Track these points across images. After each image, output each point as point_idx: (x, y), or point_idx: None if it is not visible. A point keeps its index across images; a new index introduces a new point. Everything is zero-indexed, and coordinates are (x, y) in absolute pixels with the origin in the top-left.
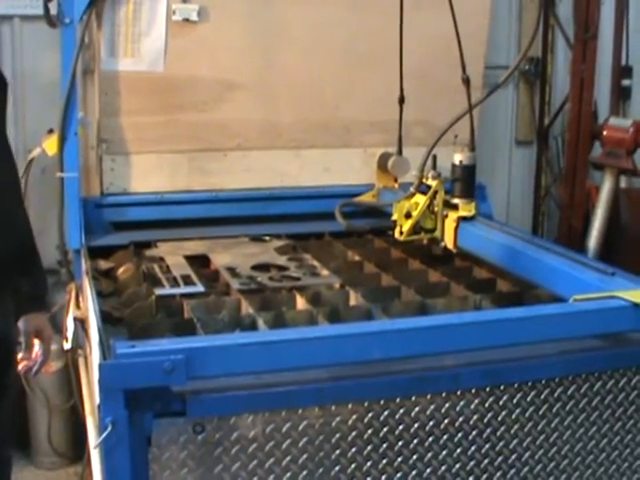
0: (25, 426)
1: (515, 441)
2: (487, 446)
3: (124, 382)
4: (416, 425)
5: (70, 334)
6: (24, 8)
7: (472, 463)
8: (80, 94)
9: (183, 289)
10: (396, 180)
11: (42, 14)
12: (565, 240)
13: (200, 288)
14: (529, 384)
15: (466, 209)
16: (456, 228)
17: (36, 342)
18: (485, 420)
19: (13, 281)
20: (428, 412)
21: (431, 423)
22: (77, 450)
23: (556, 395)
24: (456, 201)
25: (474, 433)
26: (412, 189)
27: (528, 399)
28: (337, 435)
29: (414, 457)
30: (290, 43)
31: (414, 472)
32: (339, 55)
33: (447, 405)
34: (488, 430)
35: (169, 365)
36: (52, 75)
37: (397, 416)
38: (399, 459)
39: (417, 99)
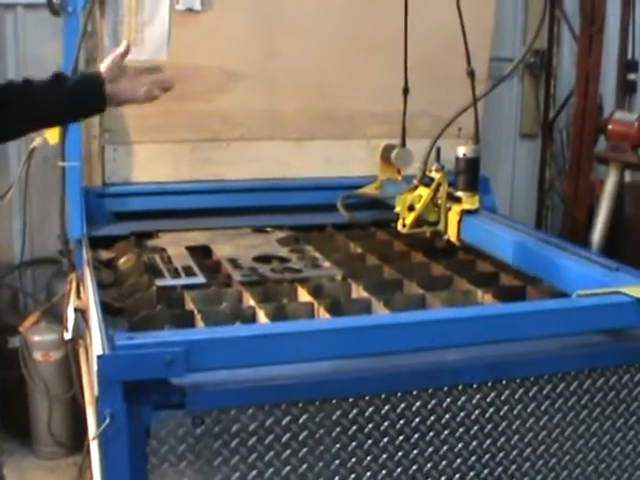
0: (25, 416)
1: (517, 437)
2: (488, 441)
3: (123, 374)
4: (417, 420)
5: (71, 324)
6: None
7: (473, 458)
8: None
9: (184, 280)
10: (399, 172)
11: (45, 2)
12: (569, 234)
13: (201, 279)
14: (531, 379)
15: (469, 202)
16: (459, 221)
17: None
18: (487, 415)
19: None
20: (429, 406)
21: (432, 418)
22: (77, 440)
23: (558, 391)
24: (459, 194)
25: (476, 428)
26: (415, 181)
27: (530, 394)
28: (338, 429)
29: (415, 452)
30: (294, 33)
31: (415, 467)
32: (343, 46)
33: (449, 400)
34: (490, 425)
35: (168, 357)
36: (55, 64)
37: (398, 410)
38: (400, 453)
39: (421, 90)
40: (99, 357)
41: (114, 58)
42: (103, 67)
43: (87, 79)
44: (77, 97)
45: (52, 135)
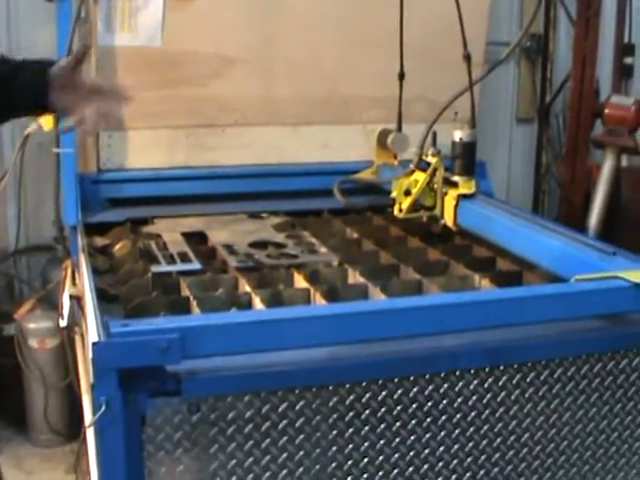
0: (21, 404)
1: (514, 422)
2: (486, 427)
3: (118, 361)
4: (414, 405)
5: (66, 311)
6: None
7: (471, 444)
8: None
9: (180, 266)
10: (396, 157)
11: None
12: (565, 218)
13: (197, 265)
14: (529, 365)
15: (466, 186)
16: (456, 206)
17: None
18: (484, 401)
19: None
20: (426, 392)
21: (429, 404)
22: (73, 428)
23: (556, 376)
24: (456, 178)
25: (473, 414)
26: (412, 166)
27: (528, 380)
28: (334, 415)
29: (412, 438)
30: (289, 18)
31: (412, 453)
32: (339, 30)
33: (446, 385)
34: (487, 411)
35: (164, 344)
36: (48, 50)
37: (395, 396)
38: (397, 440)
39: (417, 75)
40: (94, 344)
41: (67, 65)
42: (54, 72)
43: (34, 72)
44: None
45: (46, 121)
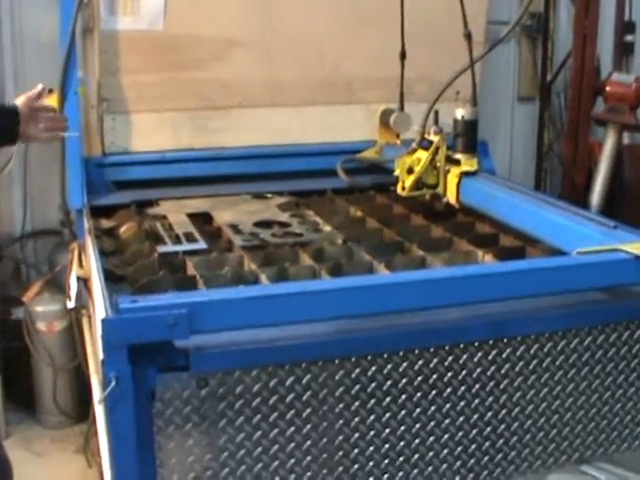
0: (30, 386)
1: (519, 394)
2: (491, 399)
3: (127, 337)
4: (419, 378)
5: (73, 293)
6: None
7: (476, 416)
8: (80, 53)
9: (186, 246)
10: (398, 136)
11: None
12: (568, 196)
13: (203, 245)
14: (532, 337)
15: (468, 164)
16: (458, 183)
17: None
18: (488, 373)
19: None
20: (432, 365)
21: (435, 376)
22: (82, 409)
23: (559, 348)
24: (458, 156)
25: (477, 386)
26: (414, 145)
27: (531, 352)
28: (341, 389)
29: (417, 410)
30: (290, 0)
31: (417, 425)
32: (340, 11)
33: (450, 358)
34: (491, 383)
35: (172, 319)
36: (52, 35)
37: (400, 369)
38: (403, 412)
39: (419, 55)
40: (103, 321)
41: (29, 98)
42: (19, 105)
43: (4, 113)
44: None
45: (51, 103)
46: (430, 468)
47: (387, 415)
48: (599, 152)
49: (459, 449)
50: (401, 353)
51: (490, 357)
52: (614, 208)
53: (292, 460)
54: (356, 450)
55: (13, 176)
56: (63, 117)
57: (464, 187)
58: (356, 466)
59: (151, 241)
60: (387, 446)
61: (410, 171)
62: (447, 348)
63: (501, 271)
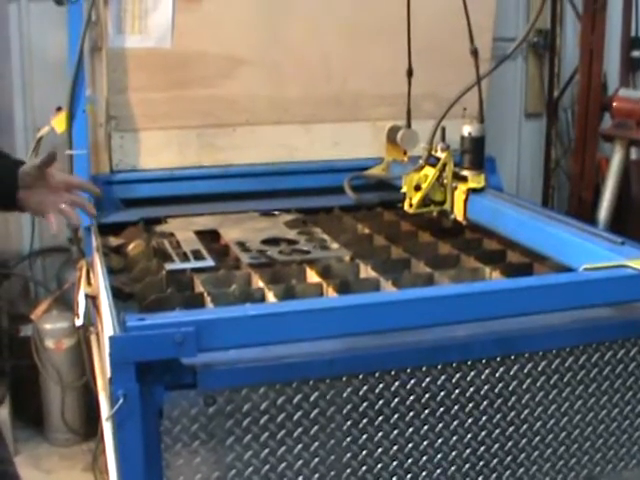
0: (38, 404)
1: (526, 411)
2: (498, 416)
3: (135, 355)
4: (427, 395)
5: (81, 311)
6: None
7: (483, 433)
8: (88, 72)
9: (193, 264)
10: (405, 153)
11: None
12: (575, 212)
13: (210, 262)
14: (540, 354)
15: (475, 181)
16: (465, 200)
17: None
18: (496, 390)
19: None
20: (439, 382)
21: (442, 393)
22: (90, 427)
23: (567, 365)
24: (465, 173)
25: (485, 403)
26: (421, 161)
27: (539, 369)
28: (349, 406)
29: (425, 428)
30: (297, 17)
31: (425, 443)
32: (346, 28)
33: (458, 375)
34: (499, 400)
35: (179, 337)
36: (60, 53)
37: (408, 387)
38: (410, 430)
39: (425, 72)
40: (111, 338)
41: (35, 165)
42: (23, 172)
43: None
44: None
45: (59, 124)
46: None
47: (395, 432)
48: (606, 168)
49: (467, 466)
50: (409, 370)
51: (498, 374)
52: (622, 224)
53: (300, 478)
54: (364, 468)
55: None
56: (86, 201)
57: (471, 204)
58: None
59: (159, 259)
60: (395, 463)
61: (417, 188)
62: (455, 365)
63: (508, 288)
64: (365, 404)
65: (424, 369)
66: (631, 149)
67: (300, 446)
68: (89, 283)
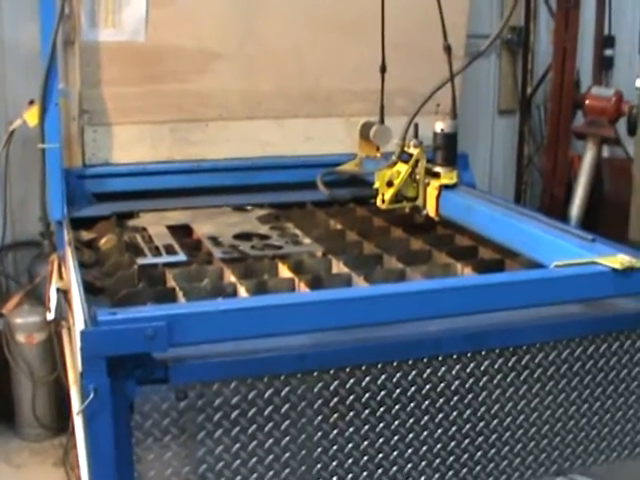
0: (9, 398)
1: (497, 406)
2: (469, 411)
3: (106, 349)
4: (398, 391)
5: (53, 305)
6: None
7: (454, 428)
8: (61, 65)
9: (165, 258)
10: (378, 149)
11: None
12: (547, 209)
13: (182, 257)
14: (510, 349)
15: (448, 177)
16: (438, 196)
17: None
18: (467, 385)
19: None
20: (410, 377)
21: (413, 389)
22: (62, 422)
23: (537, 360)
24: (438, 169)
25: (456, 398)
26: (394, 158)
27: (509, 364)
28: (319, 401)
29: (396, 423)
30: (271, 13)
31: (396, 437)
32: (320, 25)
33: (429, 370)
34: (470, 395)
35: (150, 332)
36: (33, 46)
37: (379, 381)
38: (381, 425)
39: (399, 68)
40: (82, 333)
41: None
42: None
43: None
44: None
45: (31, 117)
46: None
47: (365, 427)
48: (578, 165)
49: (437, 461)
50: (379, 365)
51: (469, 369)
52: (593, 221)
53: (271, 472)
54: (335, 462)
55: None
56: None
57: (444, 200)
58: (335, 478)
59: (131, 253)
60: (366, 458)
61: (390, 184)
62: (426, 360)
63: (480, 284)
64: (336, 399)
65: (395, 364)
66: (603, 147)
67: (271, 440)
68: (61, 277)
